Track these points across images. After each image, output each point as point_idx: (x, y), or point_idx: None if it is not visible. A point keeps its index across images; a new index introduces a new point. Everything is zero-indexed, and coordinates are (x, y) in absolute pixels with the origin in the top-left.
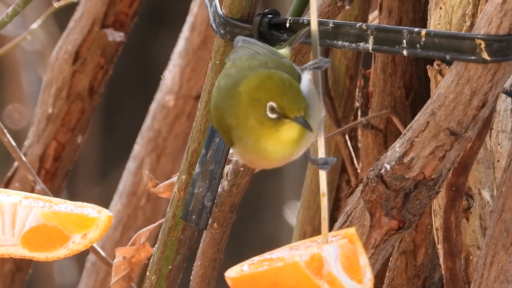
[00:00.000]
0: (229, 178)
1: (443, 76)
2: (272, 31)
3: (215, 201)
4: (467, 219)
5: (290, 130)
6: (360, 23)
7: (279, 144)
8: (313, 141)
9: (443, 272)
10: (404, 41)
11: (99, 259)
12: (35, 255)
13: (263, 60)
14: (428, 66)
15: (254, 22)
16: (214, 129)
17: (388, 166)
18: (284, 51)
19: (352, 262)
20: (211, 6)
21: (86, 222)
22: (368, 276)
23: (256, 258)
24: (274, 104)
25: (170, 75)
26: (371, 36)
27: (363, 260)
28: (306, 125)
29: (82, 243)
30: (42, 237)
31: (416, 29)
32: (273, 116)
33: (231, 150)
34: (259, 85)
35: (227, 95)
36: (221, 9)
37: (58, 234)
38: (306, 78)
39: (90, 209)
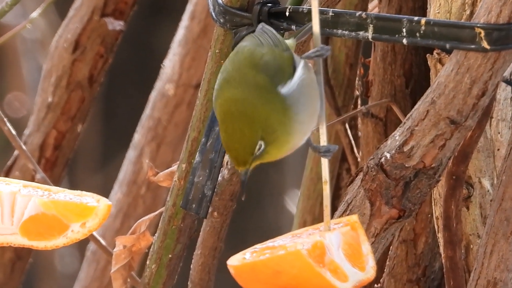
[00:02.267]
0: (229, 167)
1: (443, 65)
2: (271, 19)
3: (215, 190)
4: (467, 208)
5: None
6: (360, 12)
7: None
8: (314, 130)
9: (443, 261)
10: (404, 30)
11: (100, 247)
12: (34, 243)
13: (260, 53)
14: (427, 55)
15: (253, 11)
16: (214, 117)
17: (388, 155)
18: (290, 42)
19: (355, 249)
20: None
21: (85, 211)
22: (371, 263)
23: (258, 246)
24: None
25: (170, 64)
26: (371, 25)
27: (366, 247)
28: (243, 185)
29: (81, 232)
30: (41, 226)
31: (415, 18)
32: None
33: None
34: (219, 118)
35: (216, 93)
36: None
37: (57, 223)
38: (300, 68)
39: (89, 198)
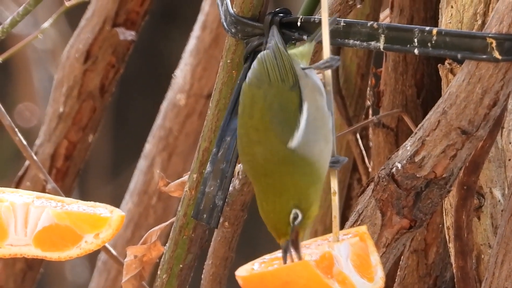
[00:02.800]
0: (240, 177)
1: (454, 75)
2: (283, 29)
3: (226, 200)
4: (479, 218)
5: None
6: (372, 22)
7: None
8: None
9: (454, 271)
10: (416, 40)
11: (110, 257)
12: (47, 255)
13: (268, 106)
14: (439, 65)
15: (265, 21)
16: (225, 128)
17: (399, 165)
18: (306, 48)
19: (363, 260)
20: (222, 4)
21: (98, 222)
22: (379, 274)
23: (267, 257)
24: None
25: (181, 74)
26: (382, 35)
27: (374, 258)
28: (284, 256)
29: (94, 243)
30: (54, 236)
31: (427, 28)
32: None
33: None
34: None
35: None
36: (232, 8)
37: (70, 233)
38: (306, 109)
39: (102, 209)
